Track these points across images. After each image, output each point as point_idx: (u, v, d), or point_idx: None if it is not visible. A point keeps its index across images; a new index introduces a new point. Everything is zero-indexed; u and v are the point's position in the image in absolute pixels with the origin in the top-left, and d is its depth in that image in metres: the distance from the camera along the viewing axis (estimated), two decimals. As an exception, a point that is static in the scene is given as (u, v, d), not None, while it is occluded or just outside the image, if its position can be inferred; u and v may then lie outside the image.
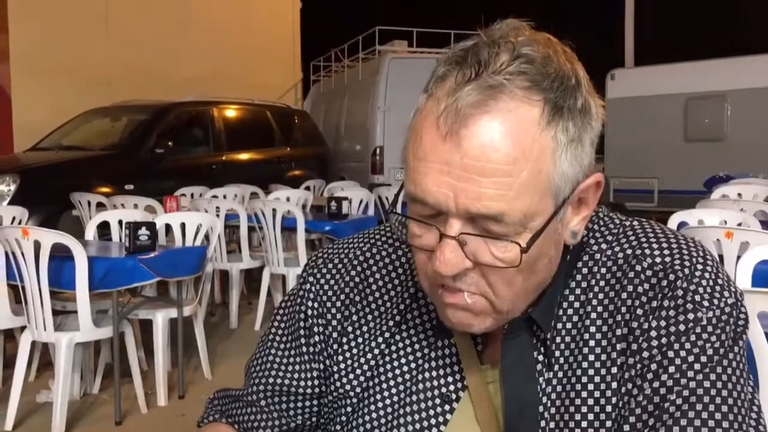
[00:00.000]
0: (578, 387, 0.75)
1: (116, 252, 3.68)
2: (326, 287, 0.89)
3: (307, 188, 7.46)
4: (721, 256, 2.75)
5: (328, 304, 0.89)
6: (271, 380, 0.90)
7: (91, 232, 4.25)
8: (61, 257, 3.21)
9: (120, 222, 4.24)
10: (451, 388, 0.81)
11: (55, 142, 7.61)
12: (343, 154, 10.14)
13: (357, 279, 0.89)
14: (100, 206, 5.58)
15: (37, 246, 3.16)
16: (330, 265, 0.91)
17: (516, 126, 0.67)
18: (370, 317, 0.87)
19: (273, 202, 5.26)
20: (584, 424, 0.74)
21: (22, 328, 3.44)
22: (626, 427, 0.71)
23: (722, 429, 0.69)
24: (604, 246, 0.79)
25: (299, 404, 0.90)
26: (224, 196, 6.22)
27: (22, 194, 5.89)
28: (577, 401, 0.75)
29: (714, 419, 0.69)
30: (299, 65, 14.43)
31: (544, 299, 0.77)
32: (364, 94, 9.65)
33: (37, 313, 3.24)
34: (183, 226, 4.22)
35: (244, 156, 8.26)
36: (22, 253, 3.20)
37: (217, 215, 5.01)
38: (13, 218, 4.67)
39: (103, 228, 4.46)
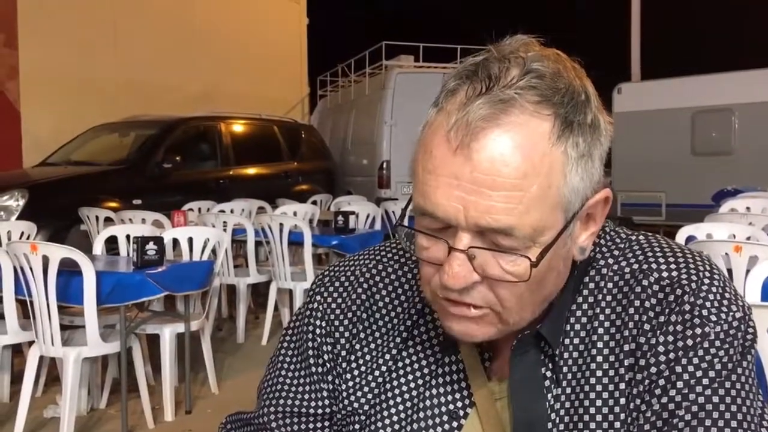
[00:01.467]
0: (586, 403, 0.74)
1: (124, 267, 3.69)
2: (333, 306, 0.89)
3: (314, 203, 7.48)
4: (729, 271, 2.73)
5: (336, 323, 0.89)
6: (282, 402, 0.90)
7: (99, 247, 4.27)
8: (69, 272, 3.22)
9: (128, 237, 4.25)
10: (459, 404, 0.81)
11: (63, 157, 7.65)
12: (349, 168, 10.17)
13: (363, 296, 0.89)
14: (108, 221, 5.60)
15: (46, 261, 3.18)
16: (337, 284, 0.91)
17: (526, 140, 0.67)
18: (377, 334, 0.87)
19: (280, 217, 5.27)
20: None
21: (30, 343, 3.45)
22: None
23: None
24: (611, 261, 0.79)
25: (311, 425, 0.89)
26: (231, 211, 6.23)
27: (31, 209, 5.92)
28: (586, 417, 0.74)
29: None
30: (306, 80, 14.51)
31: (553, 315, 0.77)
32: (371, 108, 9.69)
33: (44, 327, 3.24)
34: (190, 240, 4.24)
35: (251, 171, 8.29)
36: (31, 268, 3.21)
37: (225, 230, 5.02)
38: (22, 233, 4.69)
39: (111, 243, 4.47)
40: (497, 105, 0.67)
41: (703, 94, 9.27)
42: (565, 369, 0.76)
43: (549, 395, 0.76)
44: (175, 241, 4.29)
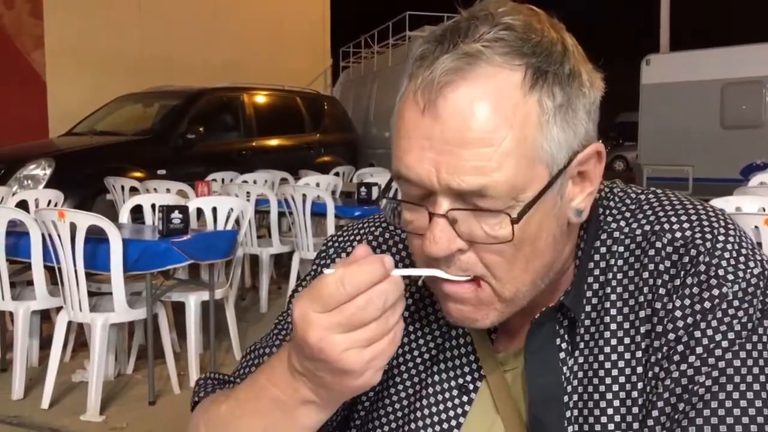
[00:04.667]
0: (602, 373, 0.72)
1: (149, 235, 3.73)
2: None
3: (337, 174, 7.47)
4: (759, 244, 2.69)
5: None
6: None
7: (125, 216, 4.32)
8: (96, 240, 3.25)
9: (153, 206, 4.29)
10: (468, 378, 0.79)
11: (88, 127, 7.71)
12: (372, 140, 10.13)
13: None
14: (133, 191, 5.65)
15: (73, 228, 3.21)
16: (343, 255, 0.88)
17: (496, 91, 0.64)
18: None
19: (303, 188, 5.27)
20: (610, 411, 0.71)
21: (58, 309, 3.51)
22: (654, 413, 0.68)
23: (755, 409, 0.66)
24: (622, 223, 0.75)
25: None
26: (254, 182, 6.25)
27: (57, 179, 5.99)
28: (602, 388, 0.72)
29: (746, 399, 0.66)
30: (329, 51, 14.42)
31: (576, 284, 0.74)
32: (394, 80, 9.59)
33: (72, 294, 3.29)
34: (214, 210, 4.26)
35: (273, 142, 8.29)
36: (59, 235, 3.25)
37: (248, 200, 5.04)
38: (49, 201, 4.75)
39: (136, 212, 4.52)
40: (463, 59, 0.64)
41: (733, 65, 9.06)
42: (578, 339, 0.74)
43: (564, 368, 0.74)
44: (200, 211, 4.31)
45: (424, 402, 0.80)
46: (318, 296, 0.62)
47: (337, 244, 0.90)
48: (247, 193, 5.32)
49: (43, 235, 3.38)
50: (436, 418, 0.79)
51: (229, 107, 8.13)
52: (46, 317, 4.06)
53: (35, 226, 3.42)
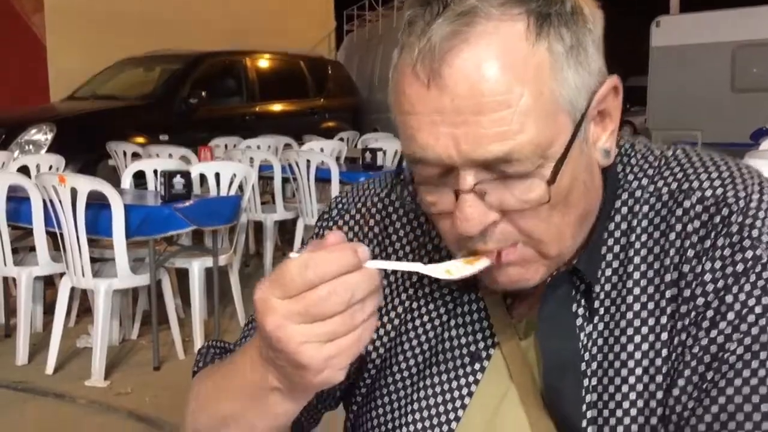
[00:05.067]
0: (623, 340, 0.68)
1: (152, 201, 3.70)
2: None
3: (341, 140, 7.39)
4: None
5: None
6: None
7: (127, 181, 4.27)
8: (98, 205, 3.22)
9: (155, 171, 4.24)
10: (481, 345, 0.75)
11: (89, 92, 7.63)
12: (377, 105, 10.00)
13: (377, 229, 0.82)
14: (135, 156, 5.60)
15: (74, 193, 3.17)
16: (347, 217, 0.83)
17: (501, 49, 0.59)
18: (391, 276, 0.80)
19: (307, 153, 5.21)
20: (632, 380, 0.67)
21: (62, 275, 3.49)
22: (680, 382, 0.64)
23: None
24: (644, 181, 0.71)
25: None
26: (258, 147, 6.19)
27: (59, 144, 5.94)
28: (623, 355, 0.68)
29: None
30: (332, 14, 14.19)
31: (589, 246, 0.70)
32: (399, 43, 9.45)
33: (75, 259, 3.27)
34: (217, 176, 4.21)
35: (277, 107, 8.19)
36: (60, 201, 3.21)
37: (251, 166, 4.99)
38: (50, 166, 4.71)
39: (139, 177, 4.47)
40: (458, 20, 0.59)
41: (744, 27, 8.88)
42: (597, 304, 0.69)
43: (582, 334, 0.69)
44: (202, 177, 4.26)
45: (434, 370, 0.76)
46: (279, 281, 0.58)
47: (340, 206, 0.86)
48: (251, 158, 5.27)
49: (44, 201, 3.34)
50: (446, 386, 0.75)
51: (231, 72, 8.02)
52: (49, 283, 4.05)
53: (36, 191, 3.38)
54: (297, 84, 8.60)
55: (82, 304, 4.03)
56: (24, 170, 4.33)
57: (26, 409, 3.13)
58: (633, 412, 0.66)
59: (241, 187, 4.20)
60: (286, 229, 6.00)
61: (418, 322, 0.78)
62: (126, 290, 3.70)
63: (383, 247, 0.81)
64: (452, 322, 0.76)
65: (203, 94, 7.15)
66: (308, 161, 4.94)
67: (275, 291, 0.58)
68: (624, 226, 0.70)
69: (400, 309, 0.79)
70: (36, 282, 3.74)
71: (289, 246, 5.55)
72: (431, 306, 0.78)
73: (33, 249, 3.58)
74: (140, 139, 6.29)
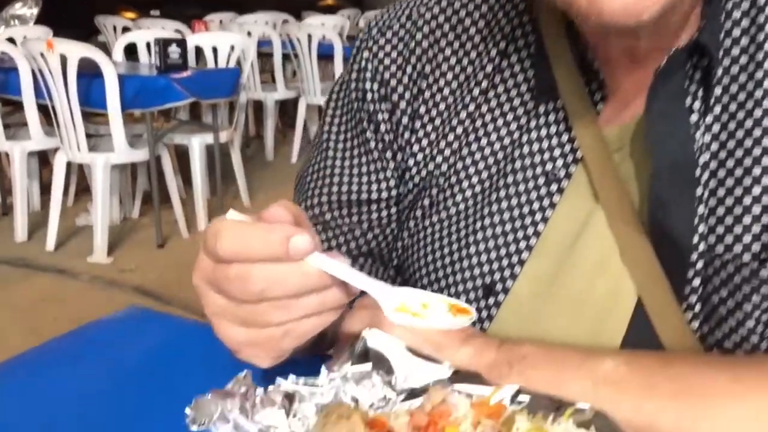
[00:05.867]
0: (748, 144, 0.54)
1: (146, 71, 3.50)
2: (387, 62, 0.69)
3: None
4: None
5: (392, 83, 0.68)
6: (335, 189, 0.71)
7: (118, 54, 4.04)
8: (89, 75, 3.03)
9: (148, 45, 4.01)
10: (559, 163, 0.62)
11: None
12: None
13: (425, 44, 0.68)
14: (126, 31, 5.31)
15: (64, 61, 2.98)
16: (389, 34, 0.70)
17: None
18: (446, 90, 0.67)
19: (308, 27, 4.93)
20: (756, 190, 0.54)
21: (57, 152, 3.35)
22: None
23: None
24: None
25: (374, 214, 0.71)
26: (255, 22, 5.88)
27: (46, 17, 5.63)
28: (747, 161, 0.54)
29: None
30: None
31: (710, 16, 0.56)
32: None
33: (69, 133, 3.11)
34: (215, 50, 3.98)
35: (274, -19, 7.78)
36: (49, 69, 3.02)
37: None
38: (38, 38, 4.45)
39: (130, 53, 4.23)
40: None
41: None
42: (719, 91, 0.56)
43: (697, 132, 0.56)
44: (198, 52, 4.03)
45: (502, 193, 0.64)
46: (206, 236, 0.47)
47: (381, 23, 0.72)
48: (248, 33, 5.00)
49: (33, 71, 3.15)
50: (516, 212, 0.63)
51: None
52: (45, 163, 3.91)
53: (23, 60, 3.18)
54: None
55: (80, 184, 3.91)
56: (10, 43, 4.09)
57: (28, 284, 3.07)
58: (755, 228, 0.54)
59: (239, 63, 3.98)
60: (287, 112, 5.81)
61: (484, 141, 0.65)
62: (124, 167, 3.57)
63: (436, 64, 0.68)
64: (524, 138, 0.64)
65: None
66: (309, 36, 4.68)
67: (208, 240, 0.48)
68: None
69: (459, 130, 0.66)
70: (30, 158, 3.60)
71: (291, 129, 5.37)
72: (499, 122, 0.65)
73: (26, 124, 3.42)
74: (130, 15, 5.98)
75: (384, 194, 0.70)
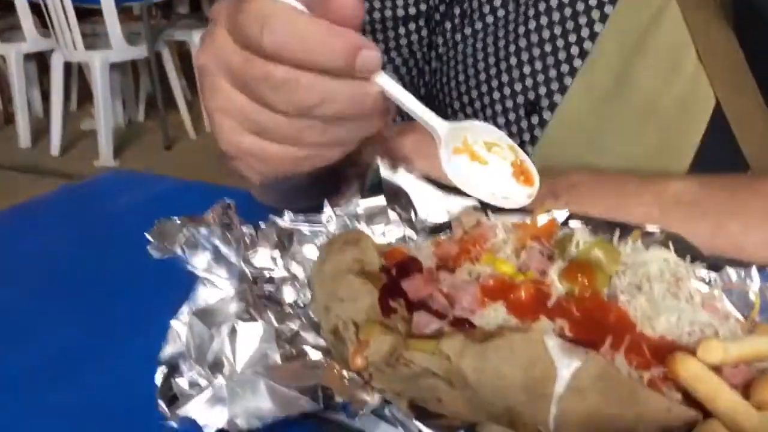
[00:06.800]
0: None
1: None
2: None
3: None
4: None
5: None
6: (366, 6, 0.62)
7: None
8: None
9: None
10: None
11: None
12: None
13: None
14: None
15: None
16: None
17: None
18: None
19: None
20: None
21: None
22: None
23: None
24: None
25: (403, 38, 0.62)
26: None
27: None
28: None
29: None
30: None
31: None
32: None
33: (64, 31, 2.97)
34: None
35: None
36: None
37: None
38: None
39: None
40: None
41: None
42: None
43: None
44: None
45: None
46: (237, 10, 0.36)
47: None
48: None
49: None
50: (568, 11, 0.53)
51: None
52: (45, 70, 3.77)
53: (8, -47, 3.00)
54: None
55: (82, 90, 3.79)
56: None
57: (35, 190, 3.01)
58: None
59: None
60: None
61: None
62: (125, 67, 3.43)
63: None
64: None
65: None
66: None
67: (230, 15, 0.37)
68: None
69: None
70: (27, 63, 3.47)
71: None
72: None
73: (20, 28, 3.27)
74: None
75: (412, 10, 0.61)
